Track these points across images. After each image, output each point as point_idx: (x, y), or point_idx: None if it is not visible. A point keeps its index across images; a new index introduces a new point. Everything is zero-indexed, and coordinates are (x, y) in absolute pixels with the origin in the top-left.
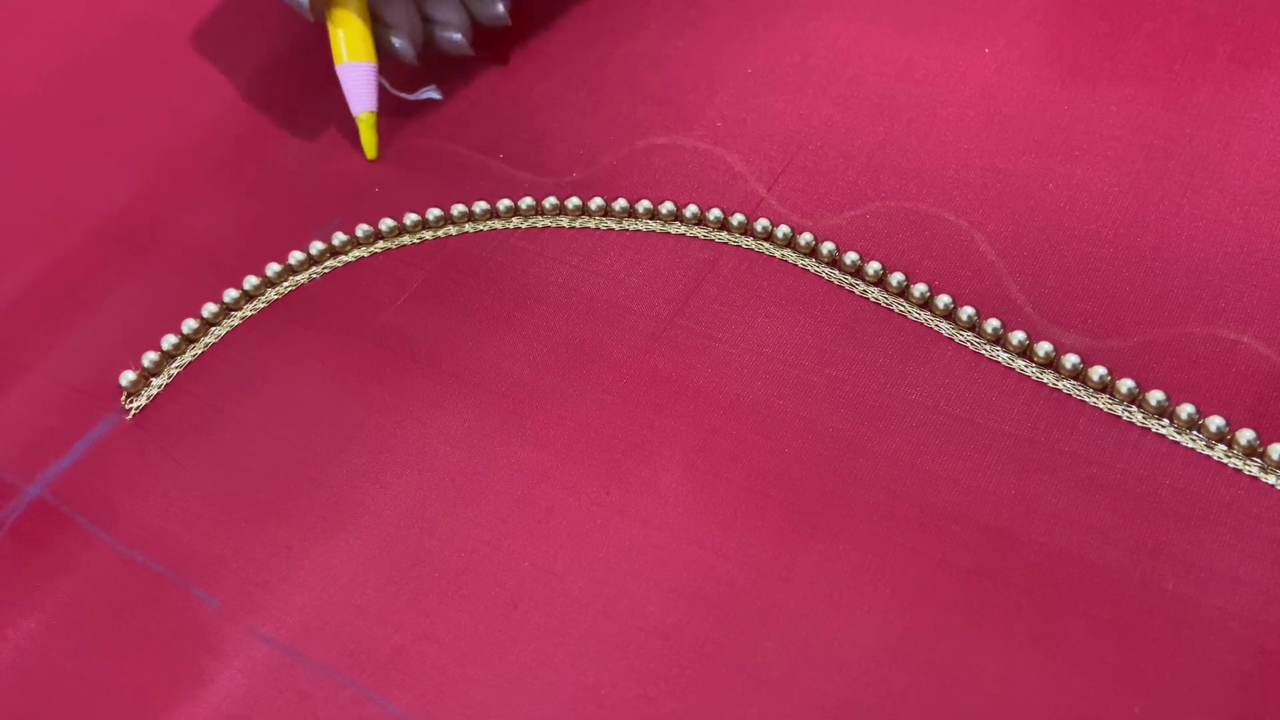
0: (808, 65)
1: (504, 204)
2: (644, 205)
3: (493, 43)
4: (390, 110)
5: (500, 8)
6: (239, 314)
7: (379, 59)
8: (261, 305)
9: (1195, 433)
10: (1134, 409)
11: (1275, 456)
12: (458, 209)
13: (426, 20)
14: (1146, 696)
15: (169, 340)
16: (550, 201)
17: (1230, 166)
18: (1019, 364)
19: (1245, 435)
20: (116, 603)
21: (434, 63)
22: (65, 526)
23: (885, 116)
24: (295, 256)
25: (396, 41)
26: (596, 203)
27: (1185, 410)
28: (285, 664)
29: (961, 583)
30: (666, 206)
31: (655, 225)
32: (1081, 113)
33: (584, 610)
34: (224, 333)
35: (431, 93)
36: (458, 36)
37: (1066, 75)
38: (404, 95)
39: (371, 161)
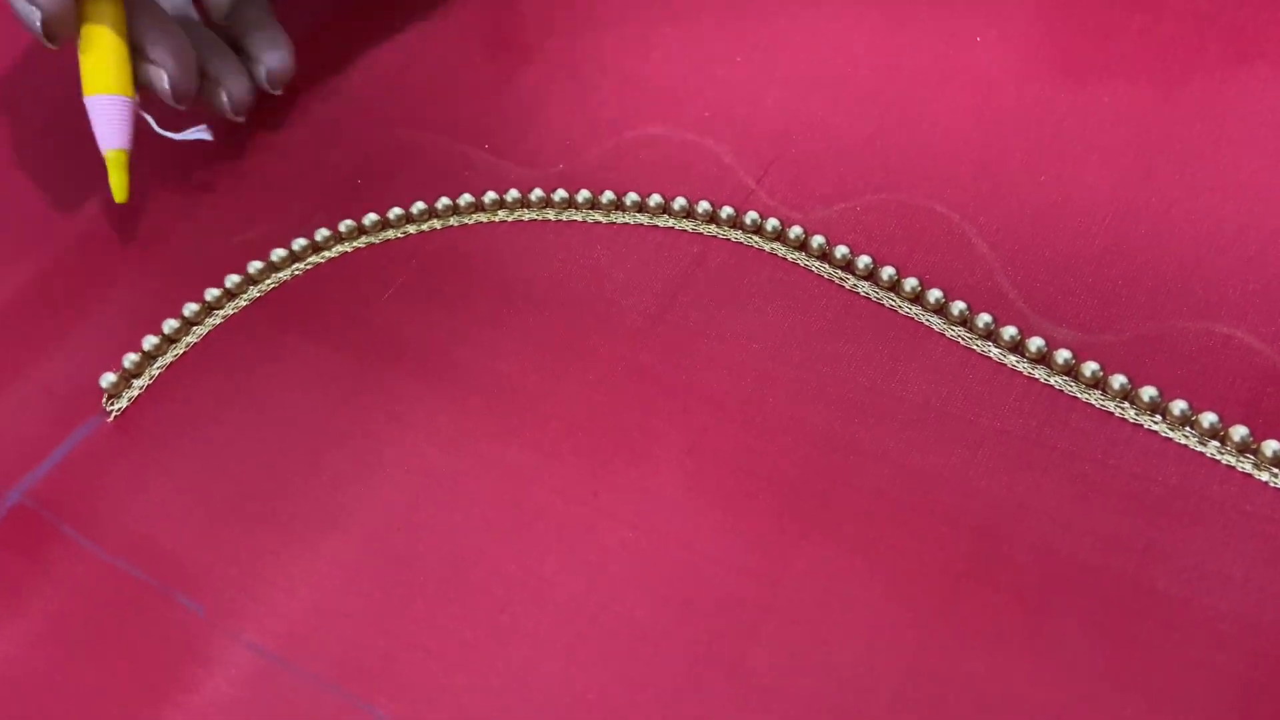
0: (798, 57)
1: (489, 197)
2: (631, 198)
3: (478, 33)
4: (373, 101)
5: (280, 60)
6: (221, 313)
7: (141, 92)
8: (244, 303)
9: (1188, 429)
10: (1126, 405)
11: (1268, 453)
12: (442, 202)
13: (203, 76)
14: (1138, 697)
15: (150, 340)
16: (536, 194)
17: (1222, 161)
18: (1010, 359)
19: (1238, 431)
20: (100, 610)
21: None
22: (47, 533)
23: (876, 109)
24: (277, 253)
25: (157, 81)
26: (583, 195)
27: (1178, 406)
28: (272, 671)
29: (952, 584)
30: (654, 199)
31: (643, 218)
32: (1073, 107)
33: (573, 615)
34: (206, 332)
35: (201, 133)
36: (225, 100)
37: (1058, 69)
38: (168, 134)
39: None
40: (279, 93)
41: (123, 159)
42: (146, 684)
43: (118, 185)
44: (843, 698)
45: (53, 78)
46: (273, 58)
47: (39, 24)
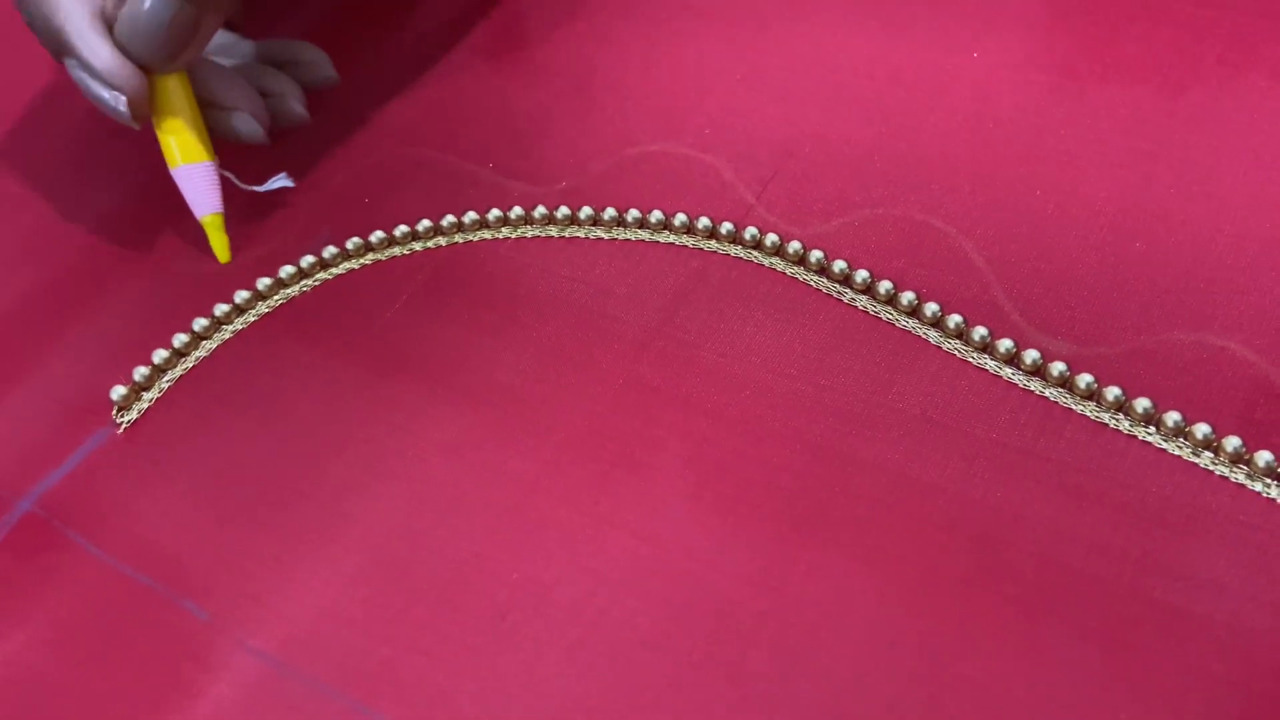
0: (796, 71)
1: (493, 214)
2: (633, 214)
3: (481, 52)
4: (378, 120)
5: (330, 70)
6: (230, 327)
7: (221, 148)
8: (252, 318)
9: (1182, 440)
10: (1121, 416)
11: (1261, 464)
12: (447, 220)
13: (263, 94)
14: (1134, 704)
15: (160, 354)
16: (540, 211)
17: (1219, 170)
18: (1006, 371)
19: (1231, 442)
20: (106, 616)
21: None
22: (56, 540)
23: (874, 122)
24: (286, 270)
25: (239, 124)
26: (586, 212)
27: (1172, 418)
28: (274, 676)
29: (949, 591)
30: (655, 215)
31: (644, 234)
32: (1070, 117)
33: (573, 621)
34: (215, 346)
35: (284, 181)
36: (299, 107)
37: (1055, 79)
38: (254, 189)
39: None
40: (338, 81)
41: (219, 221)
42: (151, 688)
43: (219, 247)
44: (841, 703)
45: (63, 82)
46: (314, 53)
47: (125, 108)
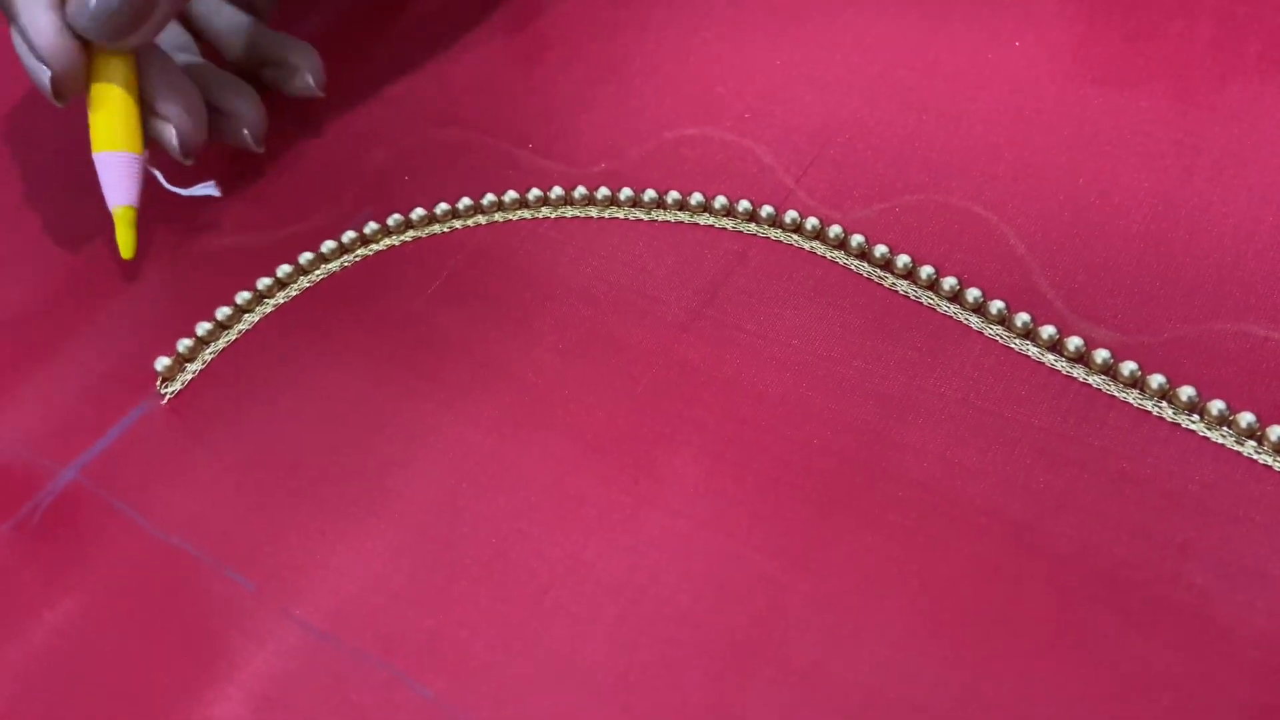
0: (836, 58)
1: (533, 194)
2: (673, 196)
3: (520, 36)
4: (418, 100)
5: (309, 79)
6: (272, 301)
7: (150, 147)
8: (294, 293)
9: (1225, 429)
10: (1164, 404)
11: None
12: (488, 199)
13: (215, 110)
14: (1173, 691)
15: (203, 327)
16: (579, 192)
17: (1260, 163)
18: (1049, 358)
19: (1275, 431)
20: (151, 584)
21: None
22: (100, 509)
23: (914, 110)
24: (327, 245)
25: (162, 134)
26: (625, 193)
27: (1215, 406)
28: (318, 646)
29: (990, 575)
30: (695, 198)
31: (684, 216)
32: (1111, 108)
33: (614, 598)
34: (257, 319)
35: (209, 189)
36: (250, 136)
37: (1096, 71)
38: (177, 190)
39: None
40: (323, 94)
41: (131, 215)
42: (195, 655)
43: (125, 242)
44: (881, 683)
45: None
46: (309, 60)
47: (48, 83)
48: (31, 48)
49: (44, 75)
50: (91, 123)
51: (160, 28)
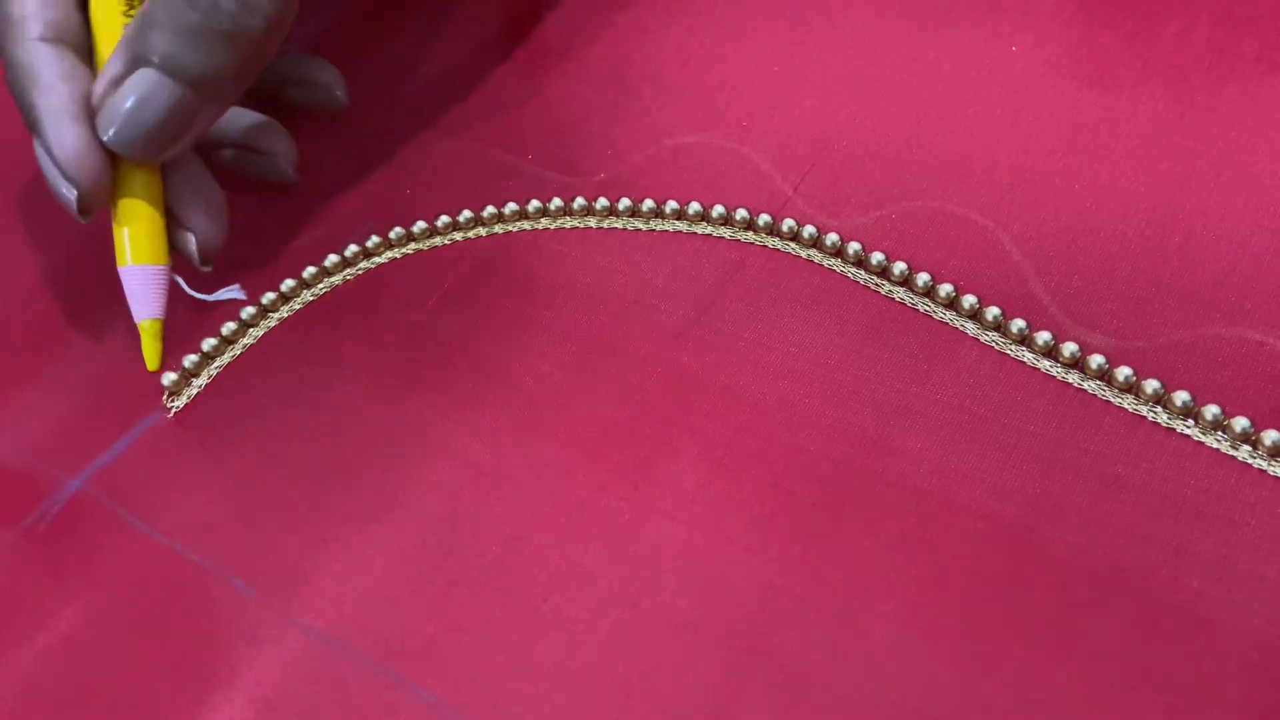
0: (833, 65)
1: (533, 205)
2: (671, 205)
3: (519, 45)
4: (419, 113)
5: (337, 92)
6: (276, 315)
7: (172, 254)
8: (298, 307)
9: (1220, 433)
10: (1159, 409)
11: None
12: (488, 210)
13: (252, 150)
14: (1170, 695)
15: (209, 342)
16: (579, 202)
17: (1258, 167)
18: (1044, 364)
19: (1270, 436)
20: (155, 591)
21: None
22: (106, 519)
23: (911, 115)
24: (330, 259)
25: (189, 248)
26: (624, 203)
27: (1210, 411)
28: (320, 651)
29: (986, 580)
30: (693, 207)
31: (682, 225)
32: (1108, 112)
33: (613, 604)
34: (261, 334)
35: (234, 293)
36: (289, 169)
37: (1093, 74)
38: (202, 297)
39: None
40: (346, 103)
41: (157, 329)
42: (199, 661)
43: (150, 354)
44: (879, 688)
45: None
46: (331, 74)
47: (74, 201)
48: (56, 163)
49: (70, 194)
50: (116, 236)
51: (200, 136)
